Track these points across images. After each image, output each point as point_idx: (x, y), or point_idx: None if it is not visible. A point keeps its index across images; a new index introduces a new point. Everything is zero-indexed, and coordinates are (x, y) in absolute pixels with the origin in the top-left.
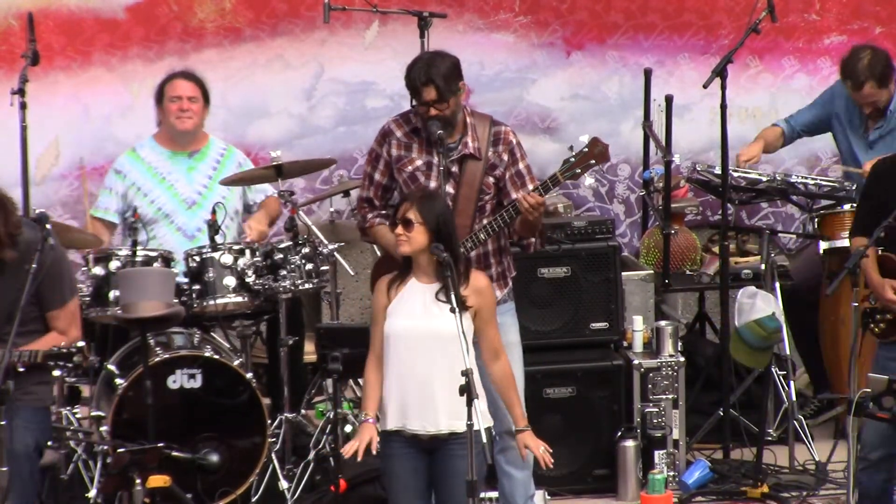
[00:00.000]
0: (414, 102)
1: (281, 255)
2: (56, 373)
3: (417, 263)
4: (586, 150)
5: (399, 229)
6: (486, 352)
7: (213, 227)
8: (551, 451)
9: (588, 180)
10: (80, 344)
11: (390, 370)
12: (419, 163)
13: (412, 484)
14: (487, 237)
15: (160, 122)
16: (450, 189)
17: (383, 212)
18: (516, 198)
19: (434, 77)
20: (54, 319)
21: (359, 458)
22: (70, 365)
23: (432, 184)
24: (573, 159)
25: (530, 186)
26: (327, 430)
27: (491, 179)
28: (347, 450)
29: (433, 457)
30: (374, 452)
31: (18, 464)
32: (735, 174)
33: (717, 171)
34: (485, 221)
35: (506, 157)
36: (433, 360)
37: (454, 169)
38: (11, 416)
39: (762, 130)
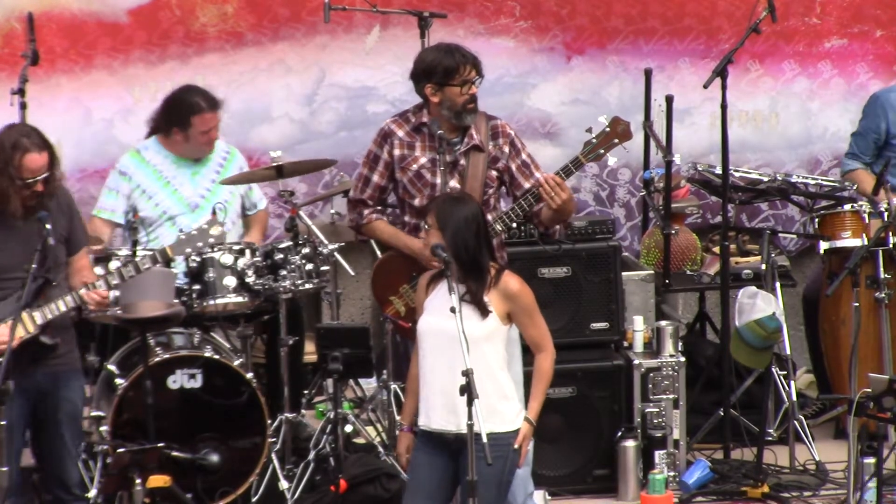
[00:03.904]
0: (436, 91)
1: (281, 255)
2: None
3: None
4: (608, 129)
5: (422, 233)
6: (531, 347)
7: None
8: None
9: (611, 160)
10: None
11: (421, 367)
12: (424, 160)
13: (425, 482)
14: (505, 228)
15: (169, 133)
16: (456, 184)
17: (378, 207)
18: (538, 179)
19: (473, 56)
20: (84, 257)
21: (404, 472)
22: None
23: (438, 180)
24: (595, 140)
25: (538, 174)
26: (327, 430)
27: (494, 173)
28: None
29: (459, 458)
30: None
31: (78, 426)
32: (735, 174)
33: (718, 170)
34: (499, 213)
35: (507, 149)
36: (455, 360)
37: (462, 162)
38: (64, 384)
39: (857, 177)
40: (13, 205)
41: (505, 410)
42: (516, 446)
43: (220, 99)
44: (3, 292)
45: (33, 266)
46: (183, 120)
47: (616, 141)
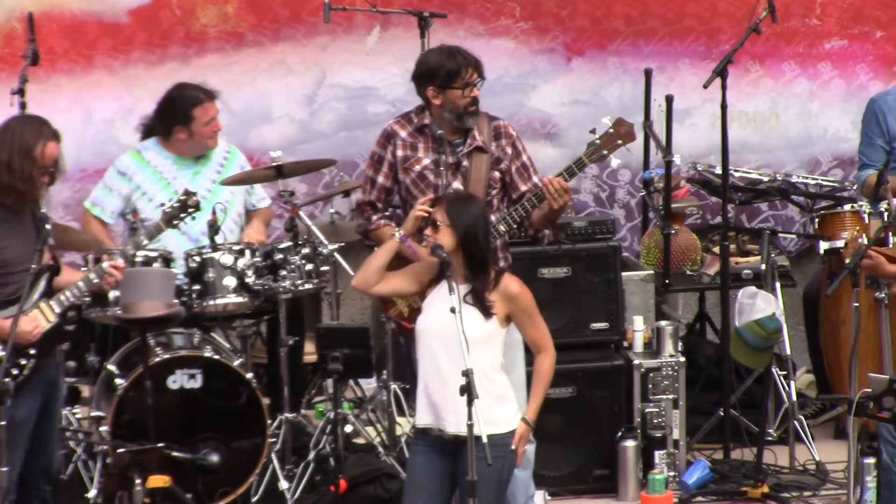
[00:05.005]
0: (437, 94)
1: (281, 256)
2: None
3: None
4: (612, 130)
5: (427, 230)
6: (531, 348)
7: (213, 228)
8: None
9: (614, 161)
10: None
11: (421, 367)
12: (427, 161)
13: (425, 483)
14: (508, 229)
15: (169, 134)
16: (459, 185)
17: (387, 213)
18: (541, 183)
19: (475, 58)
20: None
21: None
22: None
23: (441, 181)
24: (598, 141)
25: (535, 178)
26: (327, 430)
27: (497, 174)
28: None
29: (456, 458)
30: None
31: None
32: (735, 174)
33: (718, 170)
34: (502, 214)
35: (509, 151)
36: (455, 361)
37: (465, 163)
38: (63, 373)
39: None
40: (40, 191)
41: (501, 412)
42: (513, 447)
43: (214, 90)
44: (15, 286)
45: (33, 266)
46: (185, 115)
47: (619, 142)
